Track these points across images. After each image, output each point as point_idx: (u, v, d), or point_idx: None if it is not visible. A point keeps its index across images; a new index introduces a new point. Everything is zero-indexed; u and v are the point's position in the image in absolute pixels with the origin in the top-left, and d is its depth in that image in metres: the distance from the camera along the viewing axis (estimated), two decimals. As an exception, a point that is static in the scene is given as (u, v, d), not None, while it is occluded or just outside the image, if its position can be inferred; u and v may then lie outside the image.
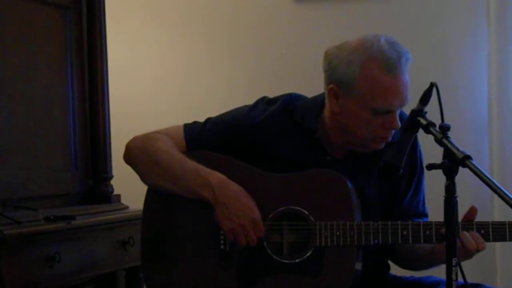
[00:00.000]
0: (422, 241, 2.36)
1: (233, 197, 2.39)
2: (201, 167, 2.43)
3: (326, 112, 2.46)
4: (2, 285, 2.40)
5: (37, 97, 2.91)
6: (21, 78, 2.84)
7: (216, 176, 2.41)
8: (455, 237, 2.01)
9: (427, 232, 2.36)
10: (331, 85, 2.40)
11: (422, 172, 2.55)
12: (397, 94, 2.35)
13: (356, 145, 2.44)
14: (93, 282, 3.09)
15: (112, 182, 3.22)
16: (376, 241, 2.37)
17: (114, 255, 2.97)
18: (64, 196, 3.04)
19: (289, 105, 2.53)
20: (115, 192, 3.22)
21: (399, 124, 2.38)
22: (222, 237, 2.44)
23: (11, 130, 2.78)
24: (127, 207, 3.18)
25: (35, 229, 2.55)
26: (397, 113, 2.38)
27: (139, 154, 2.53)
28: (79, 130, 3.09)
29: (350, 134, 2.42)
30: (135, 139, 2.57)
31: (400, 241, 2.37)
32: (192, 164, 2.45)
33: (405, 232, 2.36)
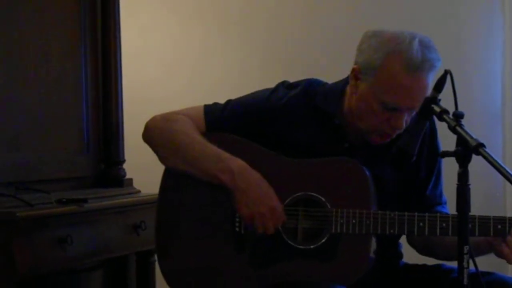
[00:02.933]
0: (438, 233, 2.35)
1: (253, 184, 2.39)
2: (222, 152, 2.43)
3: (347, 94, 2.46)
4: (14, 267, 2.41)
5: (51, 81, 2.92)
6: (35, 62, 2.85)
7: (237, 162, 2.41)
8: (467, 225, 2.00)
9: (444, 225, 2.35)
10: (355, 65, 2.41)
11: (441, 159, 2.55)
12: (409, 95, 2.34)
13: (362, 132, 2.43)
14: (104, 266, 3.11)
15: (125, 166, 3.23)
16: (392, 231, 2.36)
17: (125, 238, 2.97)
18: (77, 179, 3.05)
19: (310, 90, 2.53)
20: (127, 176, 3.22)
21: (404, 125, 2.37)
22: (237, 219, 2.44)
23: (24, 114, 2.79)
24: (139, 191, 3.18)
25: (47, 211, 2.56)
26: (405, 114, 2.37)
27: (159, 135, 2.52)
28: (92, 114, 3.10)
29: (357, 119, 2.42)
30: (155, 119, 2.56)
31: (416, 233, 2.36)
32: (213, 148, 2.44)
33: (421, 224, 2.35)
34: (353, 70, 2.41)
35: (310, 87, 2.53)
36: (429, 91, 2.32)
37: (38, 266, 2.52)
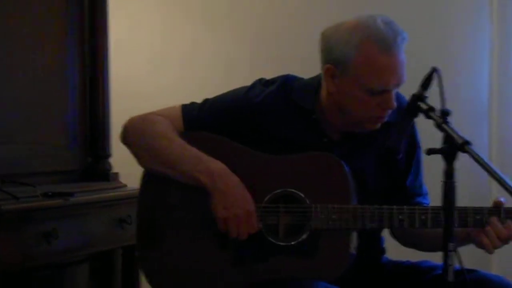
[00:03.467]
0: (417, 225, 2.36)
1: (232, 187, 2.38)
2: (202, 154, 2.42)
3: (323, 92, 2.46)
4: (-1, 260, 2.41)
5: (38, 75, 2.91)
6: (22, 55, 2.84)
7: (217, 165, 2.40)
8: (452, 222, 2.01)
9: (423, 217, 2.36)
10: (328, 65, 2.40)
11: (420, 150, 2.56)
12: (393, 73, 2.35)
13: (353, 125, 2.44)
14: (90, 260, 3.10)
15: (111, 160, 3.23)
16: (371, 225, 2.37)
17: (111, 233, 2.97)
18: (63, 173, 3.04)
19: (286, 86, 2.53)
20: (114, 170, 3.22)
21: (395, 104, 2.38)
22: (219, 219, 2.44)
23: (11, 107, 2.78)
24: (125, 185, 3.18)
25: (33, 205, 2.55)
26: (393, 92, 2.38)
27: (137, 137, 2.51)
28: (79, 107, 3.10)
29: (347, 114, 2.42)
30: (132, 121, 2.55)
31: (396, 226, 2.37)
32: (192, 150, 2.44)
33: (400, 217, 2.36)
34: (327, 70, 2.40)
35: (286, 82, 2.53)
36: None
37: (23, 260, 2.51)
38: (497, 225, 2.34)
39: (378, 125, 2.43)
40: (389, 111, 2.40)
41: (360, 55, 2.35)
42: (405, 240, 2.58)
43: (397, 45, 2.34)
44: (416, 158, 2.56)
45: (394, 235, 2.59)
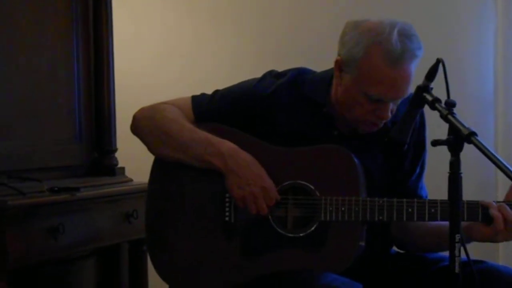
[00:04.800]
0: (427, 218, 2.35)
1: (244, 166, 2.39)
2: (211, 136, 2.43)
3: (333, 83, 2.46)
4: (6, 256, 2.41)
5: (43, 69, 2.91)
6: (27, 50, 2.84)
7: (227, 145, 2.41)
8: (459, 214, 2.01)
9: (432, 210, 2.35)
10: (338, 57, 2.41)
11: (426, 154, 2.56)
12: (393, 87, 2.33)
13: (351, 122, 2.44)
14: (96, 254, 3.11)
15: (117, 155, 3.23)
16: (380, 217, 2.37)
17: (118, 227, 2.98)
18: (69, 168, 3.05)
19: (298, 79, 2.53)
20: (119, 165, 3.22)
21: (389, 115, 2.38)
22: (227, 209, 2.45)
23: (16, 102, 2.79)
24: (131, 180, 3.18)
25: (39, 200, 2.55)
26: (390, 105, 2.37)
27: (147, 124, 2.53)
28: (84, 102, 3.10)
29: (345, 110, 2.42)
30: (142, 110, 2.56)
31: (405, 219, 2.37)
32: (202, 133, 2.45)
33: (410, 210, 2.36)
34: (337, 61, 2.41)
35: (298, 75, 2.53)
36: (412, 80, 2.33)
37: (30, 255, 2.52)
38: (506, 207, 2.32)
39: (374, 129, 2.43)
40: (384, 121, 2.40)
41: (366, 58, 2.34)
42: (400, 241, 2.58)
43: (403, 60, 2.31)
44: (422, 160, 2.56)
45: (393, 237, 2.58)
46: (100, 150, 3.18)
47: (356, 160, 2.40)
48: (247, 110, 2.50)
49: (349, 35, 2.38)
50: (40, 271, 2.77)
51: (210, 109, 2.53)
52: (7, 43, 2.75)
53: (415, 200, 2.37)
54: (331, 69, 2.49)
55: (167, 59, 3.95)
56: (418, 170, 2.56)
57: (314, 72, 2.57)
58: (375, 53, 2.33)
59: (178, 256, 2.47)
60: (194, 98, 2.56)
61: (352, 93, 2.38)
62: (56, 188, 2.65)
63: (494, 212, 2.30)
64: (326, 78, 2.50)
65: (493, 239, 2.34)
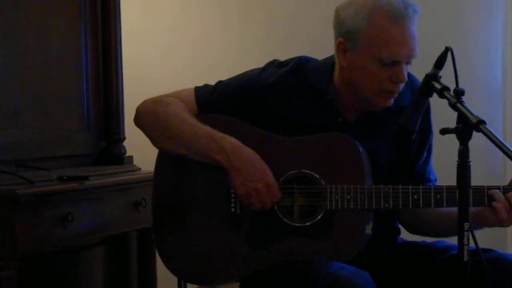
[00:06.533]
0: (433, 205, 2.36)
1: (247, 162, 2.39)
2: (214, 132, 2.43)
3: (336, 69, 2.46)
4: (15, 244, 2.42)
5: (51, 59, 2.91)
6: (36, 40, 2.84)
7: (230, 141, 2.41)
8: (468, 201, 2.01)
9: (438, 197, 2.35)
10: (339, 39, 2.41)
11: (433, 137, 2.56)
12: (404, 44, 2.35)
13: (365, 102, 2.43)
14: (105, 243, 3.12)
15: (125, 143, 3.23)
16: (386, 205, 2.37)
17: (126, 216, 2.98)
18: (77, 157, 3.05)
19: (300, 67, 2.53)
20: (128, 154, 3.23)
21: (406, 78, 2.38)
22: (233, 200, 2.45)
23: (25, 91, 2.79)
24: (139, 169, 3.19)
25: (48, 188, 2.56)
26: (404, 66, 2.37)
27: (150, 119, 2.53)
28: (92, 91, 3.10)
29: (358, 88, 2.41)
30: (145, 103, 2.56)
31: (411, 206, 2.36)
32: (205, 128, 2.45)
33: (415, 197, 2.36)
34: (338, 44, 2.41)
35: (300, 64, 2.53)
36: (417, 39, 2.36)
37: (39, 244, 2.52)
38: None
39: (391, 102, 2.42)
40: (401, 86, 2.40)
41: (371, 25, 2.35)
42: (412, 226, 2.58)
43: (408, 16, 2.35)
44: (429, 144, 2.56)
45: (402, 221, 2.59)
46: (108, 139, 3.18)
47: (360, 148, 2.40)
48: (250, 100, 2.50)
49: (345, 13, 2.40)
50: (49, 260, 2.78)
51: (213, 100, 2.53)
52: (16, 32, 2.75)
53: (420, 186, 2.37)
54: (332, 56, 2.49)
55: (175, 49, 3.96)
56: (425, 154, 2.55)
57: (316, 60, 2.57)
58: (379, 16, 2.35)
59: (185, 247, 2.48)
60: (197, 90, 2.56)
61: (364, 66, 2.38)
62: (64, 177, 2.65)
63: (495, 204, 2.31)
64: (328, 65, 2.50)
65: (501, 224, 2.36)
